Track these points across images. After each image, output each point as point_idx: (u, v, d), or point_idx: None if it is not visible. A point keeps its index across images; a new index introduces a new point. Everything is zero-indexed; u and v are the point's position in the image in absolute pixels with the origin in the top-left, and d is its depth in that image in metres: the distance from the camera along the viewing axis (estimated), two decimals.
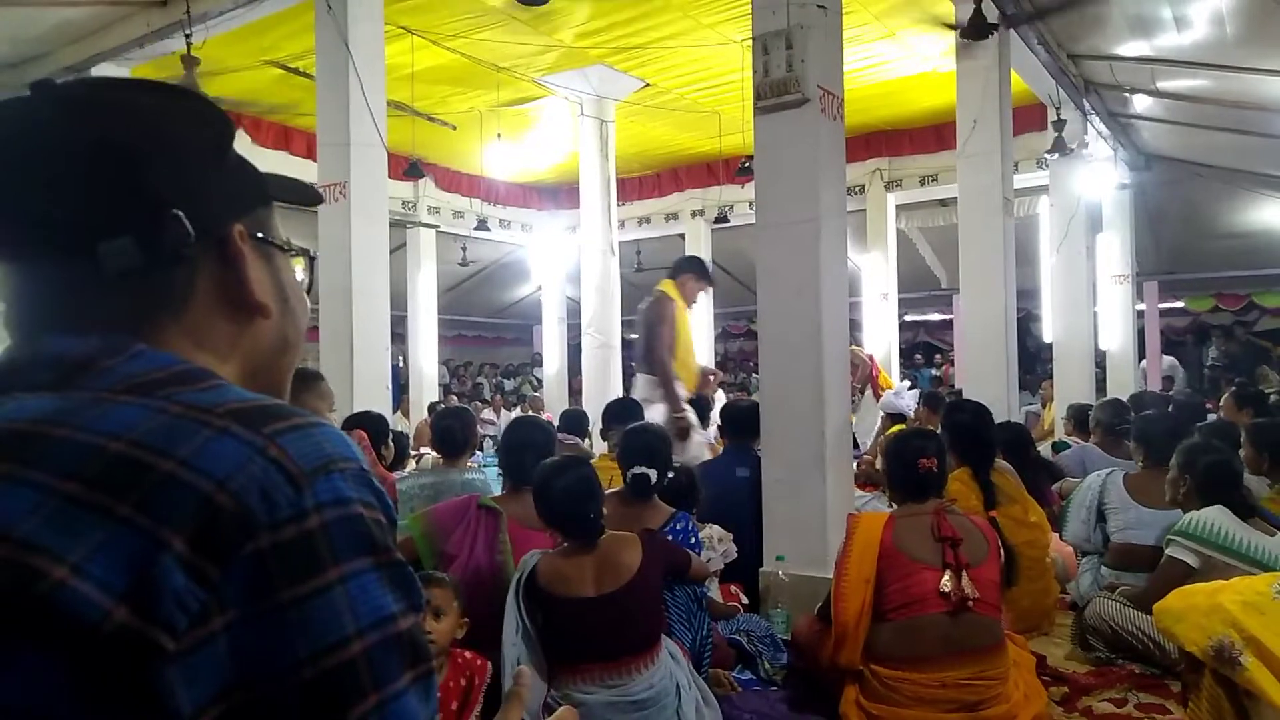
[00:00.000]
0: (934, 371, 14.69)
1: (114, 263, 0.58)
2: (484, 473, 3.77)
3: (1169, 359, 13.30)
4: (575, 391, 11.12)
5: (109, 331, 0.59)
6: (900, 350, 11.37)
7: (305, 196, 0.77)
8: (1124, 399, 6.14)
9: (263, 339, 0.69)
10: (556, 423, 5.26)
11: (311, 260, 0.77)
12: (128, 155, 0.59)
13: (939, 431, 3.81)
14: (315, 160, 5.31)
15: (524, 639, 2.36)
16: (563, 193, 11.95)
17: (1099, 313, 8.92)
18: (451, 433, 3.69)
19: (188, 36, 5.48)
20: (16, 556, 0.47)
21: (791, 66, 3.61)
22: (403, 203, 10.54)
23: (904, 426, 5.42)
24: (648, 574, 2.42)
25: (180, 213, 0.60)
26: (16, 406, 0.55)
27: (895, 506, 2.87)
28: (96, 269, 0.58)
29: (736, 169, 9.31)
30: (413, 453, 6.26)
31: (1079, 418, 6.18)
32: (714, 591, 3.31)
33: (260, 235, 0.68)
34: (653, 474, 3.02)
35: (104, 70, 6.16)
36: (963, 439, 3.76)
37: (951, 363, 13.92)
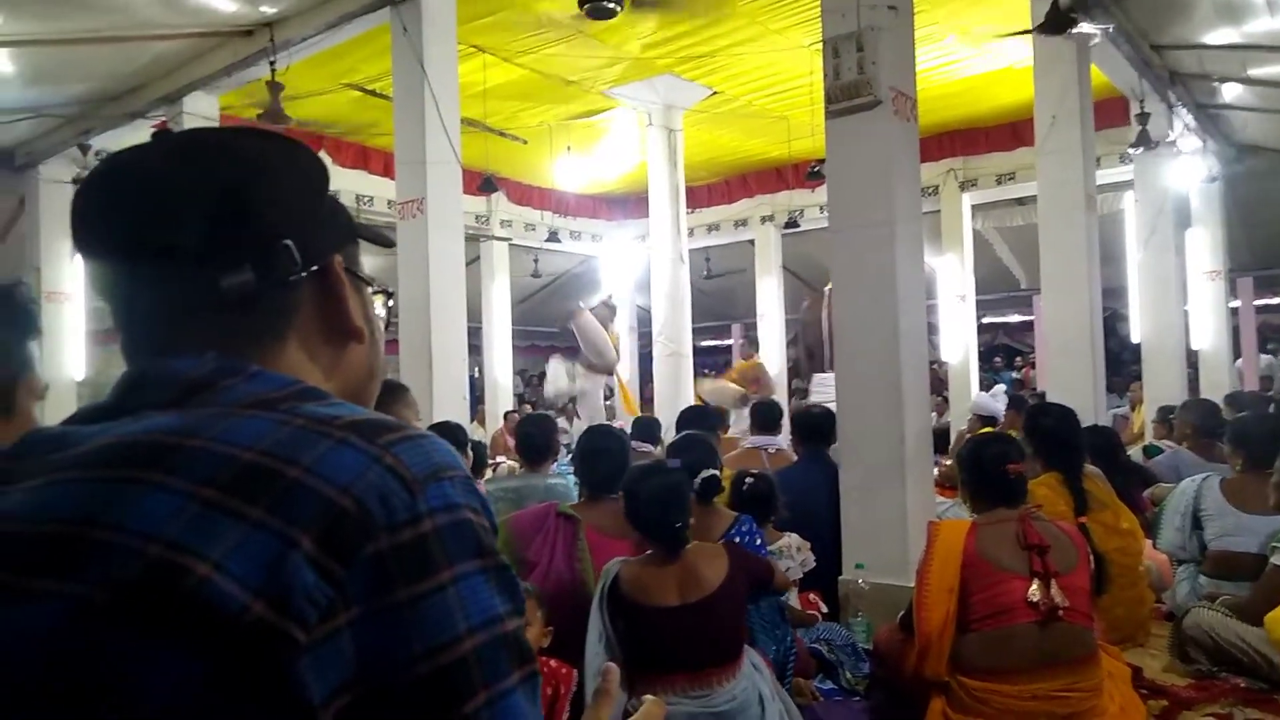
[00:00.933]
0: (1014, 374, 14.29)
1: (233, 287, 0.63)
2: (566, 479, 3.81)
3: (1267, 358, 12.66)
4: (647, 400, 11.14)
5: (223, 353, 0.64)
6: (979, 353, 11.09)
7: (381, 239, 0.86)
8: (1217, 400, 5.88)
9: (357, 363, 0.74)
10: (629, 431, 5.27)
11: (389, 297, 0.83)
12: (242, 192, 0.65)
13: (1020, 435, 3.72)
14: (393, 178, 5.47)
15: (606, 647, 2.37)
16: (632, 203, 12.02)
17: (1190, 311, 8.57)
18: (532, 439, 3.75)
19: (272, 63, 5.70)
20: (167, 555, 0.51)
21: (863, 69, 3.58)
22: (476, 217, 10.72)
23: (994, 429, 5.29)
24: (733, 586, 2.40)
25: (290, 243, 0.65)
26: (149, 423, 0.59)
27: (975, 514, 2.81)
28: (209, 295, 0.63)
29: (806, 173, 9.25)
30: (490, 461, 6.37)
31: (1171, 420, 5.94)
32: (793, 600, 3.29)
33: (351, 269, 0.73)
34: (719, 475, 3.01)
35: (194, 98, 6.46)
36: (1048, 443, 3.65)
37: (1032, 365, 13.53)
